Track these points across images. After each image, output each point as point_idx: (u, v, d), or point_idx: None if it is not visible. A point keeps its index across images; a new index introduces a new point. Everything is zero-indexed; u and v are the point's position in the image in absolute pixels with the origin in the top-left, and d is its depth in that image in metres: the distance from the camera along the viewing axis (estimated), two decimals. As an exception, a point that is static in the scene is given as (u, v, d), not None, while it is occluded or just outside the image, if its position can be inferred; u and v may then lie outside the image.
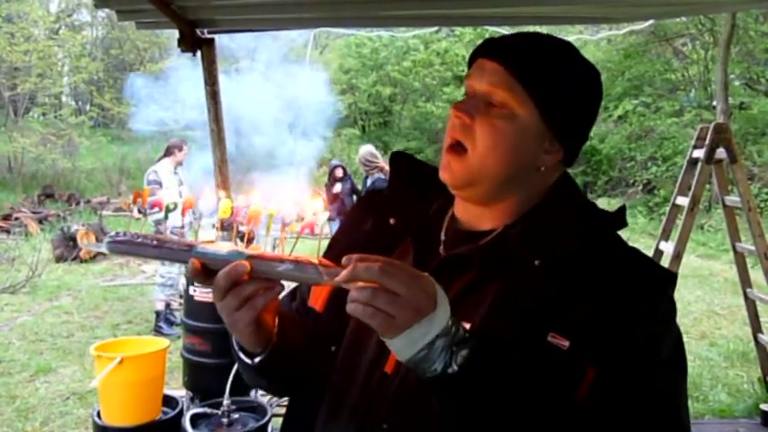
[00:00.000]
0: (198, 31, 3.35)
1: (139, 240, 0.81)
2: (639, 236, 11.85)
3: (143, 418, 2.81)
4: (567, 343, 0.80)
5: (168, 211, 0.87)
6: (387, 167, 7.33)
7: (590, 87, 0.91)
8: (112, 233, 0.83)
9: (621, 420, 0.80)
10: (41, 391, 4.69)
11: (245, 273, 0.76)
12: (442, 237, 0.96)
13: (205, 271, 0.78)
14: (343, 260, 0.73)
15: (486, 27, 11.30)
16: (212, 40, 3.42)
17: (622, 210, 0.91)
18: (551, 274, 0.84)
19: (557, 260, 0.85)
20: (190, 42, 3.27)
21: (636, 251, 0.91)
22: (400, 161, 1.04)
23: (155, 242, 0.81)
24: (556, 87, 0.87)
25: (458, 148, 0.89)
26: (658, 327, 0.85)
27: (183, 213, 0.85)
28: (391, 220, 0.98)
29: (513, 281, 0.85)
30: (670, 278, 0.89)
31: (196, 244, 0.80)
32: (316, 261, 0.76)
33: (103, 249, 0.83)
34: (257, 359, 0.89)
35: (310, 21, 3.77)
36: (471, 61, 0.92)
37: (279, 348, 0.89)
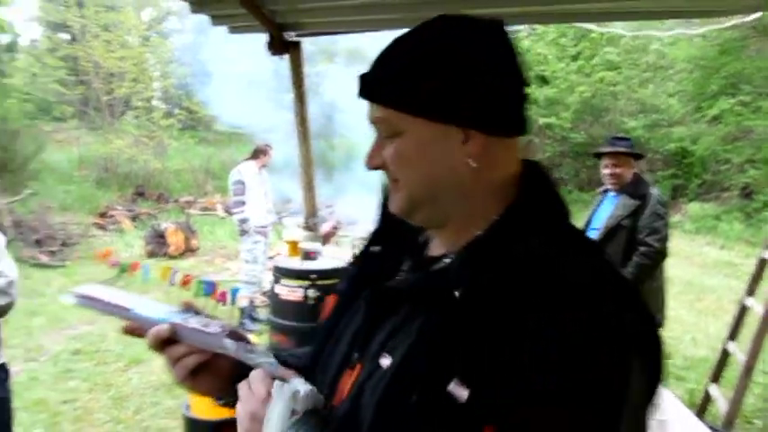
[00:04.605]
0: (285, 35, 3.42)
1: (94, 296, 0.94)
2: (735, 243, 11.20)
3: (230, 412, 2.89)
4: (465, 393, 0.68)
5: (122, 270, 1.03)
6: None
7: (453, 51, 0.78)
8: (77, 288, 0.97)
9: None
10: (134, 381, 4.91)
11: (164, 335, 0.86)
12: (404, 265, 0.90)
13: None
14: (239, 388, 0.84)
15: (573, 24, 10.98)
16: (299, 44, 3.48)
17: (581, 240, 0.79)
18: (470, 306, 0.72)
19: (477, 289, 0.73)
20: (278, 45, 3.34)
21: (577, 272, 0.72)
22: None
23: (105, 301, 0.93)
24: (414, 84, 0.78)
25: (393, 182, 0.85)
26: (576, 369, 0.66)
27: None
28: (373, 248, 0.96)
29: (434, 315, 0.75)
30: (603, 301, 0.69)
31: (131, 308, 0.91)
32: (236, 332, 0.85)
33: (72, 301, 0.97)
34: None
35: (394, 22, 3.76)
36: None
37: None
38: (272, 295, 3.19)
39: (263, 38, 3.49)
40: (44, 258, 8.86)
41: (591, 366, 0.65)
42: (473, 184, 0.80)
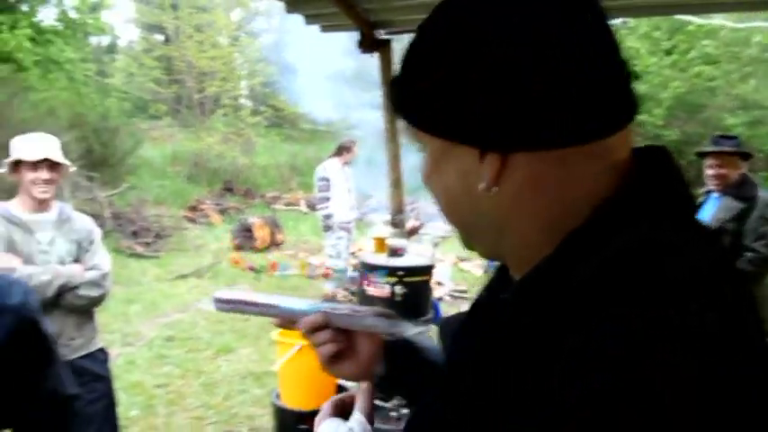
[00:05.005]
0: (375, 33, 3.44)
1: (237, 299, 0.99)
2: None
3: (318, 403, 2.93)
4: None
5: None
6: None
7: (454, 32, 0.59)
8: (217, 293, 1.01)
9: None
10: (223, 369, 5.11)
11: (318, 322, 0.91)
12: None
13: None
14: None
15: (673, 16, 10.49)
16: (389, 41, 3.50)
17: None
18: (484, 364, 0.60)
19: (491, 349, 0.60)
20: (369, 43, 3.37)
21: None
22: None
23: (250, 302, 0.98)
24: (407, 86, 0.64)
25: None
26: None
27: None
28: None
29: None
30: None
31: (279, 304, 0.97)
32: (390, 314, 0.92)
33: (213, 307, 1.02)
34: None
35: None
36: None
37: (388, 379, 0.96)
38: (359, 291, 3.22)
39: (347, 36, 3.53)
40: (140, 249, 9.35)
41: (652, 365, 0.49)
42: (500, 214, 0.62)
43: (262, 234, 10.07)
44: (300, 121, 18.61)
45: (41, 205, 2.61)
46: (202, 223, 11.80)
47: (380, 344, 0.95)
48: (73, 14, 14.73)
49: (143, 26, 20.82)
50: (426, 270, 3.02)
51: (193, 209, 12.55)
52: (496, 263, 0.79)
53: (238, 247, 9.96)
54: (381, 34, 3.48)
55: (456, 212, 0.67)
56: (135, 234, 9.66)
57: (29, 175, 2.52)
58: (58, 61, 13.44)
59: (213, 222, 11.93)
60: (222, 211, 12.68)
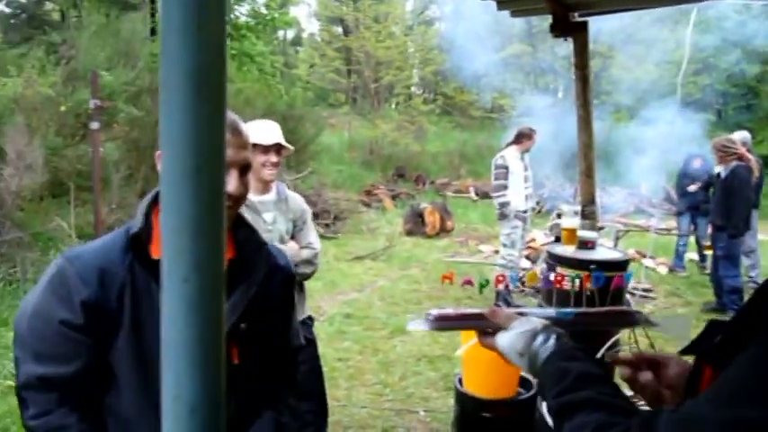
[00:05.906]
0: (570, 15, 3.31)
1: (463, 313, 0.95)
2: None
3: (501, 393, 2.94)
4: None
5: (482, 286, 1.22)
6: (747, 155, 6.28)
7: None
8: (432, 312, 0.97)
9: None
10: (398, 349, 5.27)
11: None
12: None
13: None
14: None
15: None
16: (585, 24, 3.34)
17: None
18: None
19: None
20: (562, 27, 3.25)
21: None
22: None
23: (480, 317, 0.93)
24: None
25: None
26: None
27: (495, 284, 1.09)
28: None
29: None
30: None
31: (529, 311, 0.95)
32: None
33: (426, 328, 0.97)
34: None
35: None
36: None
37: None
38: (545, 283, 3.14)
39: (520, 23, 3.42)
40: (321, 230, 9.93)
41: None
42: None
43: (432, 220, 10.22)
44: (470, 109, 18.57)
45: (266, 186, 2.83)
46: (376, 207, 12.25)
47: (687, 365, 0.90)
48: (263, 10, 15.95)
49: (324, 19, 21.98)
50: (621, 265, 2.87)
51: (368, 193, 13.06)
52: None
53: (409, 232, 10.20)
54: (576, 17, 3.34)
55: None
56: (316, 216, 10.28)
57: (260, 159, 2.72)
58: (250, 54, 14.64)
59: (386, 207, 12.33)
60: (394, 197, 13.07)
